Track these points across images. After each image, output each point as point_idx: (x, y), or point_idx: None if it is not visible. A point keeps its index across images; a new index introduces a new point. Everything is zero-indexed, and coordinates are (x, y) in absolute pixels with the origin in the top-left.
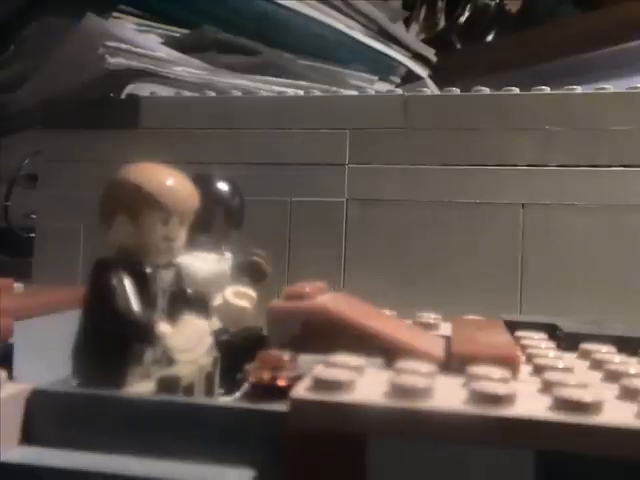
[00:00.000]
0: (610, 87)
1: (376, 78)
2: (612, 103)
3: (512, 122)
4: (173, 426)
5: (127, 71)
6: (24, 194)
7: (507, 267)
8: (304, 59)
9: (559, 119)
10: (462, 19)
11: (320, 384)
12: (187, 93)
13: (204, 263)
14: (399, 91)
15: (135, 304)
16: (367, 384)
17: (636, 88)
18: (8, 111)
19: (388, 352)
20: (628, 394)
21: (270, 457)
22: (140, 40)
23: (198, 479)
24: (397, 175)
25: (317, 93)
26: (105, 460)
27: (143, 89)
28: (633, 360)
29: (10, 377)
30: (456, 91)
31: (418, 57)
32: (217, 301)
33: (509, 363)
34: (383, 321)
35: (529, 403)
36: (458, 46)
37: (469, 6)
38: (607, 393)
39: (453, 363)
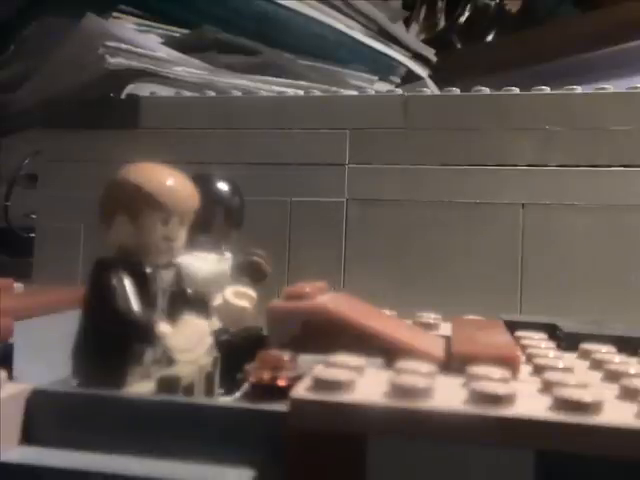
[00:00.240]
0: (610, 87)
1: (376, 78)
2: (612, 103)
3: (512, 122)
4: (173, 426)
5: (127, 71)
6: (24, 194)
7: (507, 267)
8: (304, 59)
9: (559, 119)
10: (462, 19)
11: (320, 384)
12: (187, 93)
13: (204, 263)
14: (399, 91)
15: (135, 304)
16: (367, 384)
17: (636, 88)
18: (8, 111)
19: (388, 352)
20: (628, 394)
21: (270, 457)
22: (140, 40)
23: (198, 479)
24: (397, 175)
25: (317, 93)
26: (105, 460)
27: (143, 89)
28: (633, 360)
29: (10, 377)
30: (456, 91)
31: (418, 57)
32: (217, 301)
33: (509, 363)
34: (383, 321)
35: (529, 403)
36: (458, 46)
37: (469, 6)
38: (607, 393)
39: (453, 363)
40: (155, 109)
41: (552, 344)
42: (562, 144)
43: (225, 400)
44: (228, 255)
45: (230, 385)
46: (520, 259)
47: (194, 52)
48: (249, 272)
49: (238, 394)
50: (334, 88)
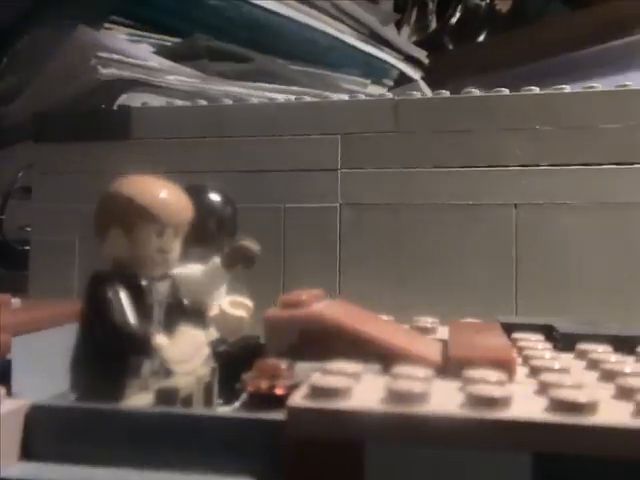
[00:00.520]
0: (599, 86)
1: (369, 82)
2: (601, 101)
3: (502, 123)
4: (172, 438)
5: (119, 81)
6: (19, 207)
7: (501, 268)
8: (296, 65)
9: (549, 119)
10: (453, 20)
11: (317, 392)
12: (179, 102)
13: (199, 275)
14: (390, 95)
15: (131, 317)
16: (364, 390)
17: (625, 86)
18: (2, 124)
19: (385, 358)
20: (624, 393)
21: (269, 466)
22: (132, 50)
23: None
24: (390, 179)
25: (309, 99)
26: (105, 474)
27: (135, 99)
28: (629, 359)
29: (9, 393)
30: (446, 93)
31: (410, 59)
32: (214, 311)
33: (505, 366)
34: (380, 327)
35: (525, 405)
36: (450, 47)
37: (460, 7)
38: (603, 393)
39: (450, 367)
40: (147, 119)
41: (549, 345)
42: (552, 144)
43: (223, 410)
44: (217, 259)
45: (229, 395)
46: (514, 259)
47: (186, 60)
48: (238, 259)
49: (237, 404)
50: (327, 93)
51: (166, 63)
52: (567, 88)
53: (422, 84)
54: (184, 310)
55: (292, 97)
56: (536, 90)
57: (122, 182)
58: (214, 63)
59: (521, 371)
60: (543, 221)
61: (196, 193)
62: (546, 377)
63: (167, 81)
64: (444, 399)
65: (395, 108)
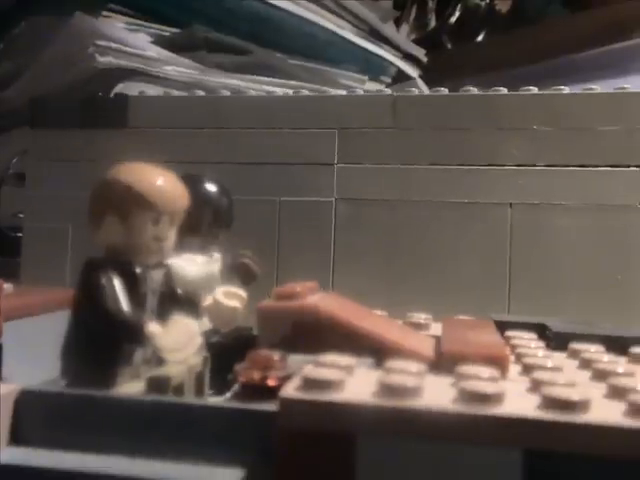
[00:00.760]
0: (598, 88)
1: (367, 78)
2: (600, 104)
3: (500, 122)
4: (163, 426)
5: (117, 70)
6: (12, 193)
7: (495, 266)
8: (295, 59)
9: (547, 119)
10: (453, 19)
11: (309, 383)
12: (176, 92)
13: (193, 265)
14: (388, 91)
15: (125, 304)
16: (356, 384)
17: (623, 89)
18: None
19: (378, 352)
20: (616, 393)
21: (260, 457)
22: (130, 39)
23: (188, 479)
24: (386, 175)
25: (306, 93)
26: (94, 460)
27: (132, 89)
28: (622, 359)
29: None
30: (444, 91)
31: (409, 57)
32: (207, 301)
33: (498, 362)
34: (373, 321)
35: (517, 402)
36: (449, 46)
37: (459, 6)
38: (595, 392)
39: (443, 362)
40: (144, 108)
41: (542, 344)
42: (550, 144)
43: (215, 400)
44: (217, 256)
45: (221, 385)
46: (508, 258)
47: (184, 51)
48: (238, 274)
49: (228, 394)
50: (325, 88)
51: (164, 53)
52: (566, 89)
53: (420, 82)
54: (178, 299)
55: (290, 91)
56: (535, 90)
57: (119, 169)
58: (212, 54)
59: (514, 369)
60: (538, 221)
61: (192, 183)
62: (539, 375)
63: (165, 71)
64: (436, 394)
65: (393, 104)
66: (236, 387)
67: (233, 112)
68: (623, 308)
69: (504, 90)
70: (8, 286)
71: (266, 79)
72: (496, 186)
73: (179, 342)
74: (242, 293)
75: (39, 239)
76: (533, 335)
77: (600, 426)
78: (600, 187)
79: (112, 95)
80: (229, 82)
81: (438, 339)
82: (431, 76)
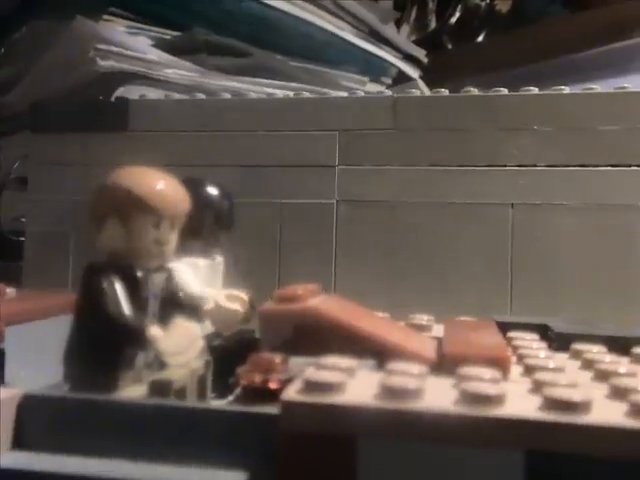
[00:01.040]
0: (598, 87)
1: (367, 79)
2: (600, 103)
3: (501, 122)
4: (165, 430)
5: (118, 74)
6: (14, 197)
7: (497, 267)
8: (296, 61)
9: (547, 119)
10: (453, 20)
11: (311, 386)
12: (177, 95)
13: (195, 269)
14: (389, 92)
15: (126, 308)
16: (358, 386)
17: (623, 88)
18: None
19: (380, 354)
20: (618, 393)
21: (262, 460)
22: (131, 43)
23: None
24: (387, 176)
25: (307, 95)
26: (97, 465)
27: (133, 92)
28: (624, 360)
29: (2, 382)
30: (445, 92)
31: (409, 58)
32: (209, 305)
33: (500, 364)
34: (375, 323)
35: (519, 403)
36: (449, 47)
37: (460, 7)
38: (597, 392)
39: (445, 364)
40: (145, 112)
41: (543, 344)
42: (551, 144)
43: (217, 403)
44: (219, 259)
45: (223, 389)
46: (510, 259)
47: (185, 54)
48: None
49: (230, 397)
50: (325, 90)
51: (165, 56)
52: (566, 89)
53: (420, 83)
54: (179, 302)
55: (290, 93)
56: (535, 90)
57: (120, 173)
58: (213, 57)
59: (515, 370)
60: (539, 221)
61: (193, 186)
62: (540, 376)
63: (165, 74)
64: (438, 396)
65: (394, 105)
66: (238, 390)
67: (234, 115)
68: (625, 309)
69: (504, 90)
70: (11, 291)
71: (266, 81)
72: (497, 187)
73: (181, 345)
74: (244, 296)
75: (41, 243)
76: (535, 336)
77: (602, 427)
78: (601, 187)
79: (113, 99)
80: (230, 85)
81: (440, 341)
82: (432, 77)
